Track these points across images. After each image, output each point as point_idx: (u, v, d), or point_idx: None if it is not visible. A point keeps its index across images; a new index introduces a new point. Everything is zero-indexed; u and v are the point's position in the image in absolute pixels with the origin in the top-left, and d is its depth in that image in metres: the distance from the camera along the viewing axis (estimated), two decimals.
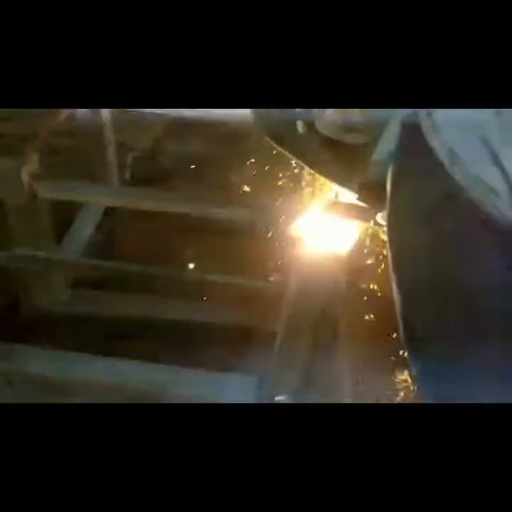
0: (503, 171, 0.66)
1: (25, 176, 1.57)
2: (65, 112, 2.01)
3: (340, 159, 0.85)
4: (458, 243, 0.69)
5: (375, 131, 0.79)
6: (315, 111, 0.81)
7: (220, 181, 2.39)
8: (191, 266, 2.09)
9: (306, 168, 1.26)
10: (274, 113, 0.84)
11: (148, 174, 2.62)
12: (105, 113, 2.13)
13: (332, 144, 0.84)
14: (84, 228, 2.11)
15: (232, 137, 2.61)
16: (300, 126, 0.83)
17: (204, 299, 1.94)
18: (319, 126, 0.82)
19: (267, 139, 0.91)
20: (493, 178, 0.66)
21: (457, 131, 0.68)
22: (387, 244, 0.77)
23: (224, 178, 2.40)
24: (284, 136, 0.88)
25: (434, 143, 0.68)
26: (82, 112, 2.10)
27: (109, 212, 2.23)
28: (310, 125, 0.82)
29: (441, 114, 0.69)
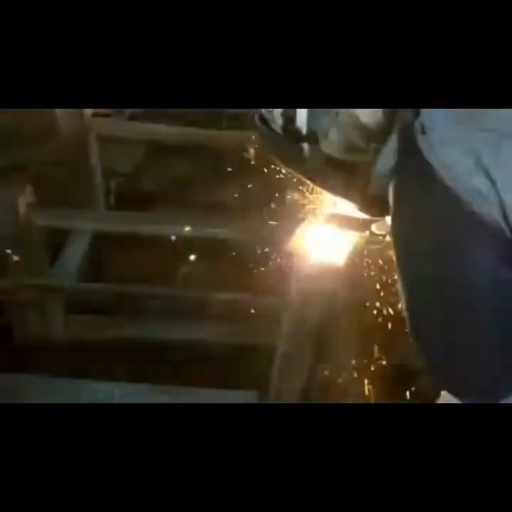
0: (491, 180, 0.72)
1: (21, 206, 1.58)
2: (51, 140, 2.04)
3: (344, 175, 0.91)
4: (456, 246, 0.76)
5: (375, 150, 0.85)
6: (320, 135, 0.87)
7: (208, 201, 2.43)
8: (189, 286, 2.11)
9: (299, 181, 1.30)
10: (280, 135, 0.90)
11: (133, 198, 2.65)
12: (91, 139, 2.16)
13: (336, 163, 0.90)
14: (75, 253, 2.12)
15: (213, 158, 2.67)
16: (306, 147, 0.89)
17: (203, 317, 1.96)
18: (324, 147, 0.88)
19: (273, 158, 0.96)
20: (484, 187, 0.73)
21: (450, 147, 0.74)
22: (393, 250, 0.83)
23: (211, 198, 2.44)
24: (290, 156, 0.93)
25: (430, 157, 0.75)
26: (67, 138, 2.12)
27: (98, 235, 2.25)
28: (315, 146, 0.88)
29: (434, 132, 0.76)
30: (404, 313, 0.82)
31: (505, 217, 0.73)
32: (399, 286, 0.83)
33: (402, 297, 0.82)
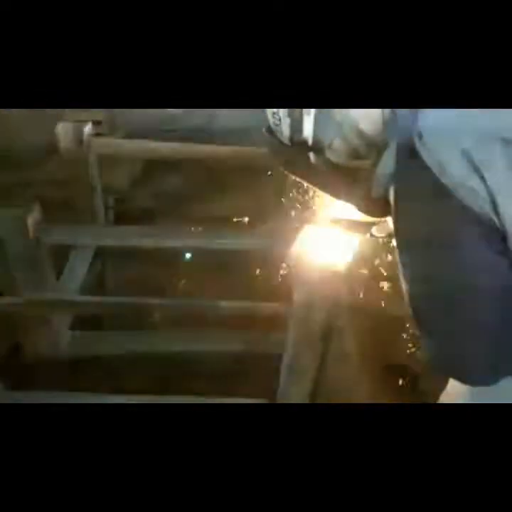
0: (482, 178, 0.80)
1: (30, 224, 1.62)
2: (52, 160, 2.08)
3: (348, 181, 0.97)
4: (452, 238, 0.83)
5: (376, 156, 0.92)
6: (325, 144, 0.93)
7: (207, 214, 2.47)
8: (192, 296, 2.14)
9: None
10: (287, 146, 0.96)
11: (131, 214, 2.69)
12: (90, 157, 2.20)
13: (340, 169, 0.96)
14: (79, 268, 2.16)
15: (209, 172, 2.72)
16: (312, 156, 0.95)
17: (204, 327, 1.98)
18: (329, 155, 0.94)
19: (281, 167, 1.01)
20: (475, 184, 0.80)
21: (444, 150, 0.81)
22: (396, 245, 0.90)
23: (210, 211, 2.48)
24: (297, 165, 0.99)
25: (427, 160, 0.82)
26: (67, 158, 2.16)
27: (100, 250, 2.28)
28: (321, 155, 0.94)
29: (430, 137, 0.82)
30: (407, 303, 0.89)
31: (495, 210, 0.80)
32: (401, 278, 0.89)
33: (405, 288, 0.89)
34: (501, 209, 0.80)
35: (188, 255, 2.25)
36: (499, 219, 0.81)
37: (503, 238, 0.82)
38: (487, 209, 0.80)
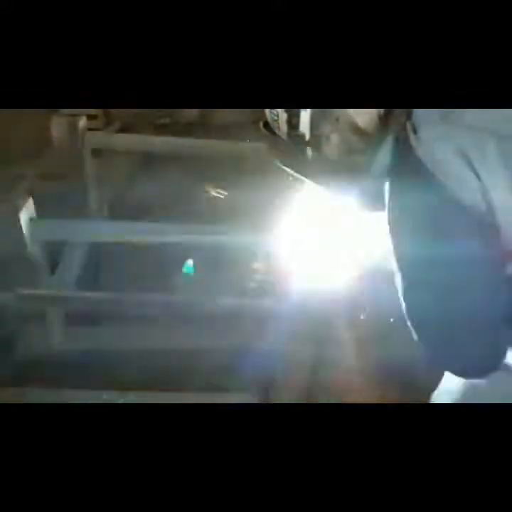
0: (475, 172, 0.80)
1: (24, 219, 1.61)
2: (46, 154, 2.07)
3: (344, 176, 0.97)
4: (445, 230, 0.83)
5: (373, 151, 0.91)
6: (322, 140, 0.92)
7: (202, 209, 2.46)
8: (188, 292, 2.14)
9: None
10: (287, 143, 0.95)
11: (128, 208, 2.68)
12: (85, 152, 2.19)
13: (337, 164, 0.95)
14: (73, 263, 2.15)
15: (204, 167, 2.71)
16: (309, 151, 0.94)
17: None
18: (326, 150, 0.94)
19: (277, 162, 1.01)
20: (468, 177, 0.80)
21: (438, 143, 0.82)
22: (389, 240, 0.90)
23: (205, 206, 2.48)
24: (294, 160, 0.98)
25: (421, 154, 0.82)
26: (61, 152, 2.15)
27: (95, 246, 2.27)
28: (318, 150, 0.94)
29: (424, 131, 0.83)
30: (400, 298, 0.89)
31: (488, 204, 0.81)
32: (395, 272, 0.89)
33: (398, 282, 0.89)
34: (494, 203, 0.81)
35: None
36: (492, 213, 0.81)
37: (496, 232, 0.82)
38: (480, 203, 0.81)
